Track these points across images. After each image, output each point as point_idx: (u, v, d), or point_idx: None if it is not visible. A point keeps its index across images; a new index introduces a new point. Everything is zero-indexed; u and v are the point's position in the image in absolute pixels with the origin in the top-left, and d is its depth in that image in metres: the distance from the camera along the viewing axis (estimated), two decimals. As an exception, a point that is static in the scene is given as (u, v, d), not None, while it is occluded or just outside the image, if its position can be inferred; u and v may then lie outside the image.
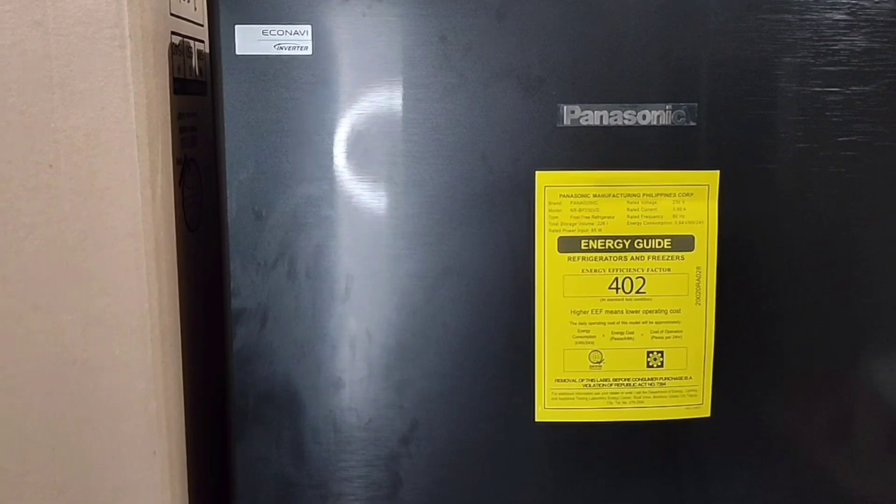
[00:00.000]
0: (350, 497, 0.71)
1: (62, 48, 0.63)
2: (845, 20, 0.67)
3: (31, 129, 0.64)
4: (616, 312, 0.70)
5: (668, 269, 0.69)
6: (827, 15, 0.67)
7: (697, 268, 0.70)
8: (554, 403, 0.70)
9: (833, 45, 0.67)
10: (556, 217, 0.68)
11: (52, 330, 0.66)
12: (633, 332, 0.70)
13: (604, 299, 0.70)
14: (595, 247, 0.69)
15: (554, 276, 0.69)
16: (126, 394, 0.68)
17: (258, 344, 0.69)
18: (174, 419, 0.71)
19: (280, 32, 0.66)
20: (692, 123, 0.68)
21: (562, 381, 0.70)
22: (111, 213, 0.65)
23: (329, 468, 0.71)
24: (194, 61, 0.77)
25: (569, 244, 0.69)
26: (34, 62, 0.63)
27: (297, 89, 0.66)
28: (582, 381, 0.70)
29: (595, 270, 0.69)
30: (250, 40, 0.66)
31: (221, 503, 0.73)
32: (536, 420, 0.71)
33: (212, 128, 0.67)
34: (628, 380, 0.70)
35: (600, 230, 0.69)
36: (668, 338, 0.70)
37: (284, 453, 0.70)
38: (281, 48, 0.66)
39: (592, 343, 0.70)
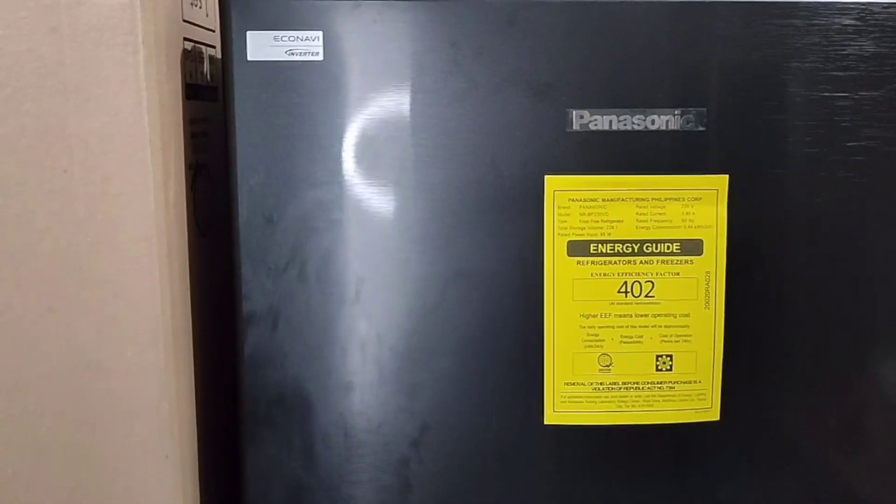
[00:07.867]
0: (360, 501, 0.71)
1: (77, 54, 0.63)
2: (854, 25, 0.67)
3: (46, 134, 0.64)
4: (625, 316, 0.70)
5: (677, 274, 0.70)
6: (836, 20, 0.67)
7: (706, 272, 0.70)
8: (563, 407, 0.71)
9: (842, 50, 0.67)
10: (566, 221, 0.69)
11: (66, 332, 0.66)
12: (641, 336, 0.70)
13: (613, 303, 0.70)
14: (604, 251, 0.69)
15: (563, 279, 0.69)
16: (138, 397, 0.68)
17: (269, 347, 0.69)
18: (186, 422, 0.71)
19: (291, 38, 0.66)
20: (701, 128, 0.68)
21: (571, 384, 0.70)
22: (124, 217, 0.66)
23: (339, 472, 0.71)
24: (206, 67, 0.78)
25: (578, 248, 0.69)
26: (49, 68, 0.63)
27: (308, 95, 0.67)
28: (591, 384, 0.70)
29: (604, 274, 0.69)
30: (262, 46, 0.66)
31: (232, 506, 0.73)
32: (546, 423, 0.71)
33: (223, 133, 0.68)
34: (637, 383, 0.71)
35: (609, 234, 0.69)
36: (677, 342, 0.70)
37: (295, 457, 0.71)
38: (292, 54, 0.66)
39: (601, 347, 0.70)
